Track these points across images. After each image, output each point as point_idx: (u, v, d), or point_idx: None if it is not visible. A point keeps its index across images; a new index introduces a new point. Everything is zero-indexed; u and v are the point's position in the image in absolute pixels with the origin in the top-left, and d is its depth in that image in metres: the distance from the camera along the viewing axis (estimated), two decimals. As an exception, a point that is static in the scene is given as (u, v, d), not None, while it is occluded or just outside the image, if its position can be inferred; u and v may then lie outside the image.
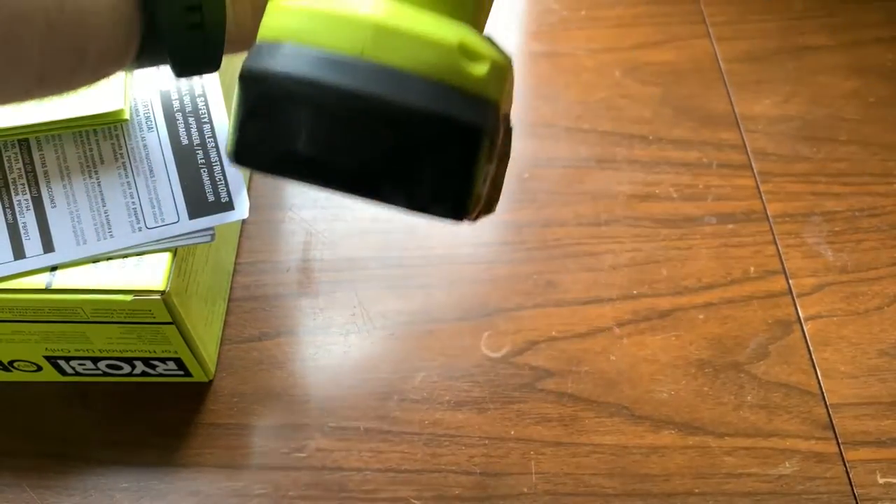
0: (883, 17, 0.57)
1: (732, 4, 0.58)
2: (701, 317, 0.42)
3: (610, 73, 0.53)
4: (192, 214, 0.34)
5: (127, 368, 0.37)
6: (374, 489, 0.36)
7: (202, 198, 0.34)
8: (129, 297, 0.32)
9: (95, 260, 0.33)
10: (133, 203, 0.33)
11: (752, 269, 0.44)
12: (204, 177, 0.34)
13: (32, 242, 0.33)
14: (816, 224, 0.46)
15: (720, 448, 0.37)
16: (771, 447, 0.37)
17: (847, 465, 0.37)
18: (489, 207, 0.24)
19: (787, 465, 0.37)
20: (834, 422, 0.38)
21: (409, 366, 0.40)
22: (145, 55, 0.24)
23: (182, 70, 0.25)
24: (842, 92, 0.52)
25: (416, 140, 0.20)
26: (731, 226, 0.45)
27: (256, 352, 0.40)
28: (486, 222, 0.45)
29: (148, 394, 0.38)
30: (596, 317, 0.42)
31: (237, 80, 0.22)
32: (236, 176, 0.34)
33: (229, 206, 0.34)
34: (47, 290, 0.32)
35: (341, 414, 0.38)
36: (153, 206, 0.33)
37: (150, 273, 0.33)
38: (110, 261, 0.33)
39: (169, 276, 0.32)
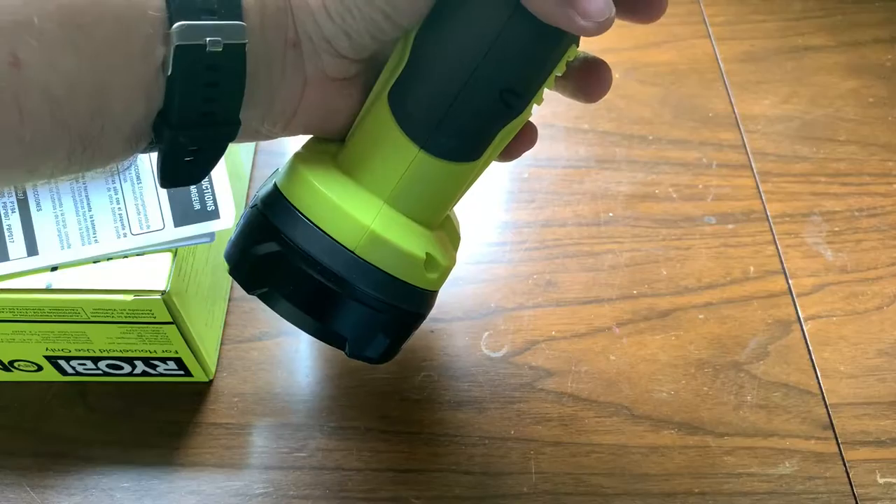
0: (882, 17, 0.57)
1: (732, 5, 0.58)
2: (701, 317, 0.42)
3: (609, 73, 0.53)
4: (178, 222, 0.33)
5: (127, 368, 0.37)
6: (373, 489, 0.36)
7: (188, 206, 0.34)
8: (129, 297, 0.32)
9: (96, 260, 0.33)
10: (119, 209, 0.33)
11: (751, 269, 0.44)
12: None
13: (16, 245, 0.33)
14: (816, 224, 0.46)
15: (720, 448, 0.37)
16: (770, 447, 0.37)
17: (847, 464, 0.37)
18: None
19: (787, 464, 0.37)
20: (833, 421, 0.38)
21: (409, 366, 0.40)
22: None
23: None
24: (841, 92, 0.52)
25: (374, 316, 0.28)
26: (730, 226, 0.45)
27: (256, 352, 0.40)
28: (486, 222, 0.45)
29: (148, 394, 0.38)
30: (596, 317, 0.42)
31: (251, 207, 0.28)
32: (223, 184, 0.34)
33: (215, 214, 0.34)
34: (48, 290, 0.32)
35: (341, 414, 0.38)
36: (139, 213, 0.33)
37: (150, 273, 0.33)
38: (110, 260, 0.33)
39: (169, 277, 0.32)
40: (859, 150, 0.49)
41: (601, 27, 0.22)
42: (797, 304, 0.42)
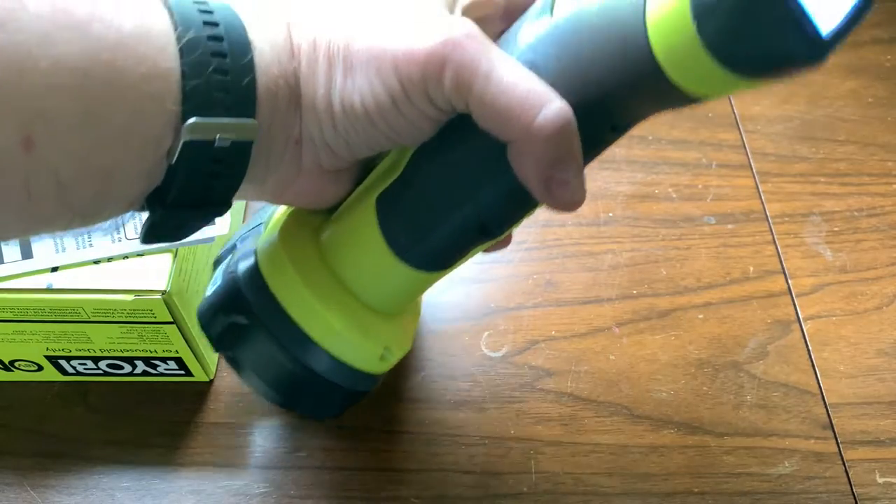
0: (881, 17, 0.57)
1: (731, 5, 0.58)
2: (700, 317, 0.42)
3: (609, 73, 0.53)
4: None
5: (128, 368, 0.37)
6: (373, 489, 0.36)
7: None
8: (130, 297, 0.32)
9: (96, 260, 0.33)
10: None
11: (751, 269, 0.44)
12: None
13: (11, 248, 0.33)
14: (815, 224, 0.46)
15: (719, 447, 0.37)
16: (770, 447, 0.37)
17: (846, 464, 0.37)
18: None
19: (787, 464, 0.37)
20: (833, 421, 0.38)
21: (409, 366, 0.40)
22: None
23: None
24: (840, 92, 0.52)
25: (327, 394, 0.30)
26: (730, 226, 0.46)
27: (257, 351, 0.40)
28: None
29: (149, 393, 0.38)
30: (595, 316, 0.42)
31: (230, 273, 0.30)
32: None
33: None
34: (48, 290, 0.32)
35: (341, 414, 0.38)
36: (134, 217, 0.33)
37: (151, 273, 0.33)
38: (111, 260, 0.33)
39: (170, 276, 0.32)
40: (859, 150, 0.49)
41: (571, 210, 0.25)
42: (797, 304, 0.42)
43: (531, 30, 0.25)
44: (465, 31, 0.23)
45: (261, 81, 0.24)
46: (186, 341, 0.35)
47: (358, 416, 0.38)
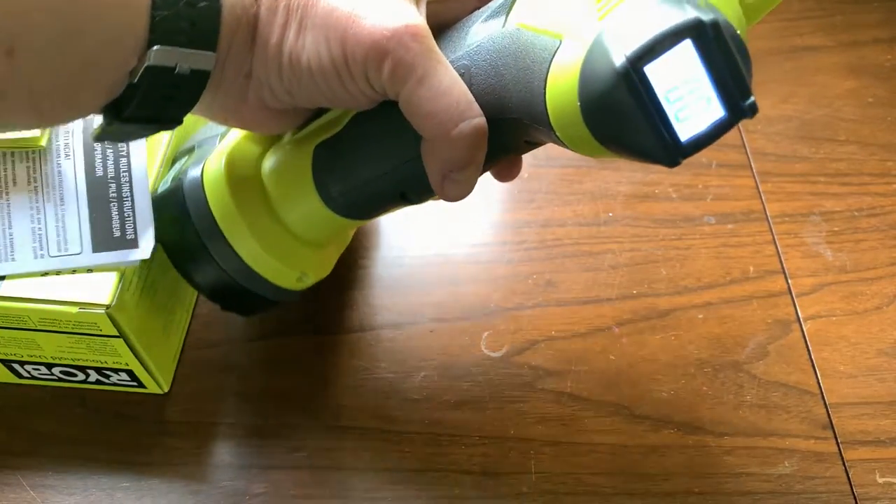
0: (881, 17, 0.57)
1: (731, 5, 0.58)
2: (700, 316, 0.42)
3: (609, 73, 0.53)
4: (96, 248, 0.33)
5: (81, 376, 0.37)
6: (373, 489, 0.36)
7: (108, 232, 0.33)
8: (74, 310, 0.32)
9: (44, 273, 0.33)
10: (39, 229, 0.33)
11: (751, 268, 0.44)
12: (113, 211, 0.33)
13: None
14: (815, 224, 0.46)
15: (719, 447, 0.37)
16: (770, 447, 0.37)
17: (846, 464, 0.37)
18: None
19: (787, 464, 0.37)
20: (833, 421, 0.38)
21: (409, 366, 0.40)
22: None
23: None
24: (840, 92, 0.52)
25: (248, 298, 0.35)
26: (730, 226, 0.46)
27: (257, 352, 0.40)
28: (485, 222, 0.45)
29: (149, 392, 0.38)
30: (595, 316, 0.42)
31: (176, 171, 0.34)
32: (145, 214, 0.34)
33: (134, 243, 0.33)
34: None
35: (341, 413, 0.38)
36: (58, 235, 0.33)
37: (97, 286, 0.32)
38: (59, 274, 0.33)
39: (115, 291, 0.32)
40: (859, 150, 0.49)
41: (454, 202, 0.29)
42: (797, 304, 0.42)
43: (480, 32, 0.28)
44: (413, 31, 0.25)
45: (224, 19, 0.25)
46: (136, 355, 0.35)
47: (358, 416, 0.38)
